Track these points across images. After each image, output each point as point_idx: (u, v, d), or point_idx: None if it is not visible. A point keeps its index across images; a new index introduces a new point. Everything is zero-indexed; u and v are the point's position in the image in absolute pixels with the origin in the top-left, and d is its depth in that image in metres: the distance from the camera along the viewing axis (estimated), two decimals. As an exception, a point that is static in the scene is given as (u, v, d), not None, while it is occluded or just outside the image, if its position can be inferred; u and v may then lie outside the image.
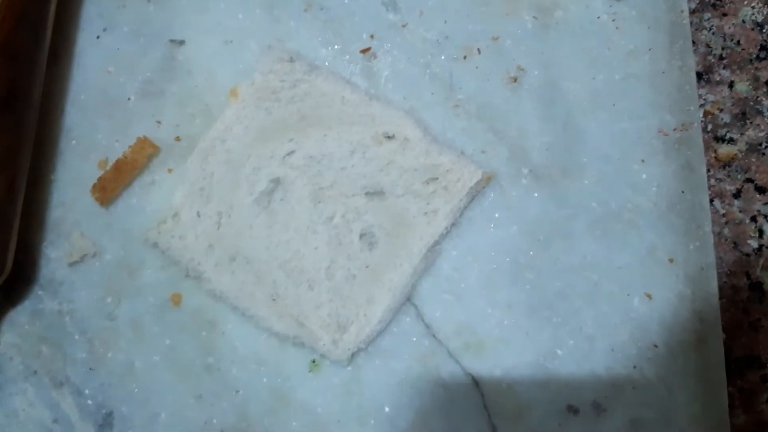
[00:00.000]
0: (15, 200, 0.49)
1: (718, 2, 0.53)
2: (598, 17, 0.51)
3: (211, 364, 0.49)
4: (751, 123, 0.51)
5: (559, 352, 0.48)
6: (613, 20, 0.51)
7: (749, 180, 0.51)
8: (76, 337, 0.50)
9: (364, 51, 0.52)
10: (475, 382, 0.48)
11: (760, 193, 0.50)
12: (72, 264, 0.51)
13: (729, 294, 0.49)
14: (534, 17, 0.52)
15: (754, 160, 0.51)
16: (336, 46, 0.53)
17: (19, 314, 0.51)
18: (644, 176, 0.49)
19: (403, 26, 0.52)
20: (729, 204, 0.50)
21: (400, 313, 0.49)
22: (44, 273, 0.52)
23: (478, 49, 0.52)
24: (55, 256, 0.52)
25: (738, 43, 0.52)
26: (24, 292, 0.51)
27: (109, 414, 0.49)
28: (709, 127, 0.51)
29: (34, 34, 0.49)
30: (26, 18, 0.48)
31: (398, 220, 0.49)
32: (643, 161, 0.50)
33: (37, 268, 0.52)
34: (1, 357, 0.51)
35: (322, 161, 0.50)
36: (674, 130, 0.50)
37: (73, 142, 0.53)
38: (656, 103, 0.50)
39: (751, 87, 0.52)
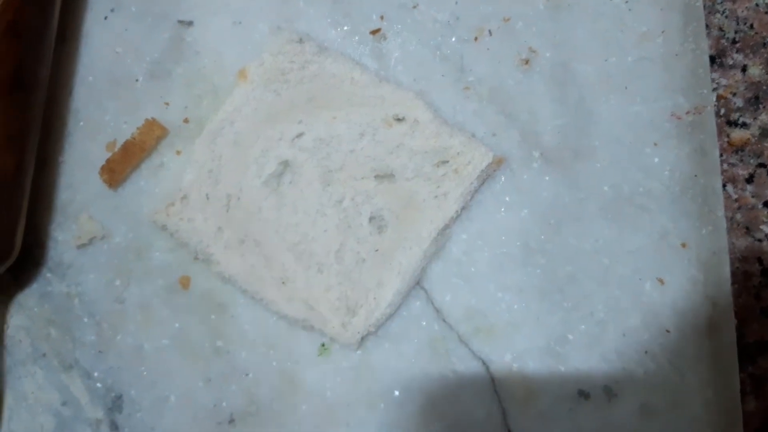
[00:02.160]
0: (23, 182, 0.49)
1: (733, -16, 0.52)
2: (611, -1, 0.51)
3: (221, 347, 0.49)
4: (764, 107, 0.51)
5: (570, 336, 0.48)
6: (626, 2, 0.51)
7: (762, 165, 0.50)
8: (85, 320, 0.50)
9: (374, 32, 0.52)
10: (486, 366, 0.48)
11: (773, 178, 0.50)
12: (80, 246, 0.51)
13: (741, 280, 0.49)
14: (546, -2, 0.51)
15: (767, 144, 0.50)
16: (345, 27, 0.52)
17: (28, 297, 0.51)
18: (657, 160, 0.49)
19: (414, 7, 0.52)
20: (742, 189, 0.50)
21: (409, 297, 0.49)
22: (52, 255, 0.51)
23: (490, 31, 0.51)
24: (63, 238, 0.51)
25: (751, 26, 0.52)
26: (32, 275, 0.51)
27: (118, 397, 0.49)
28: (722, 111, 0.51)
29: (42, 13, 0.49)
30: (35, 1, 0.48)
31: (408, 204, 0.49)
32: (655, 144, 0.49)
33: (45, 250, 0.52)
34: (11, 340, 0.51)
35: (332, 143, 0.50)
36: (687, 113, 0.49)
37: (81, 123, 0.53)
38: (669, 86, 0.50)
39: (764, 71, 0.51)
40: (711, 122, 0.49)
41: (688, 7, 0.50)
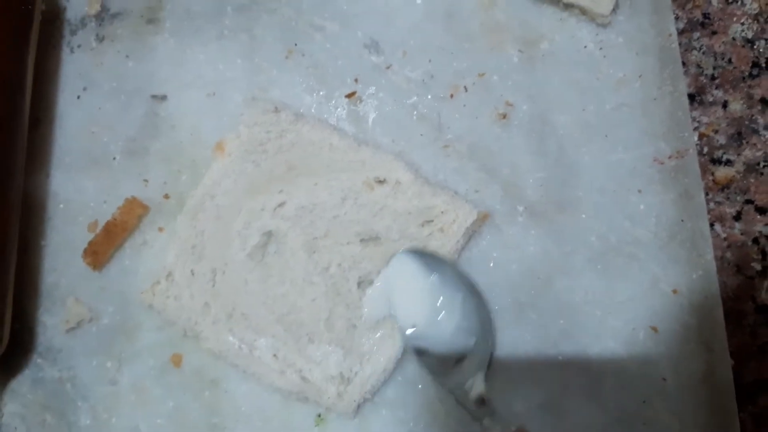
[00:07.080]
0: (7, 272, 0.48)
1: (707, 21, 0.52)
2: (585, 46, 0.50)
3: (216, 424, 0.49)
4: (747, 142, 0.50)
5: (567, 392, 0.47)
6: (600, 48, 0.50)
7: (749, 201, 0.50)
8: (79, 404, 0.50)
9: (349, 96, 0.51)
10: (486, 429, 0.47)
11: (760, 214, 0.49)
12: (69, 330, 0.51)
13: (735, 319, 0.48)
14: (519, 50, 0.51)
15: (752, 180, 0.50)
16: (320, 92, 0.52)
17: (20, 384, 0.51)
18: (642, 207, 0.49)
19: (387, 68, 0.51)
20: (730, 227, 0.50)
21: (403, 360, 0.48)
22: (42, 340, 0.51)
23: (465, 87, 0.51)
24: (51, 322, 0.51)
25: (729, 61, 0.51)
26: (23, 361, 0.51)
27: (118, 479, 0.49)
28: (705, 149, 0.50)
29: (12, 102, 0.48)
30: (4, 87, 0.47)
31: (395, 267, 0.49)
32: (640, 191, 0.49)
33: (34, 335, 0.51)
34: (6, 428, 0.50)
35: (314, 210, 0.50)
36: (669, 157, 0.49)
37: (61, 205, 0.52)
38: (650, 132, 0.49)
39: (745, 105, 0.51)
40: (694, 165, 0.49)
41: (663, 50, 0.50)
